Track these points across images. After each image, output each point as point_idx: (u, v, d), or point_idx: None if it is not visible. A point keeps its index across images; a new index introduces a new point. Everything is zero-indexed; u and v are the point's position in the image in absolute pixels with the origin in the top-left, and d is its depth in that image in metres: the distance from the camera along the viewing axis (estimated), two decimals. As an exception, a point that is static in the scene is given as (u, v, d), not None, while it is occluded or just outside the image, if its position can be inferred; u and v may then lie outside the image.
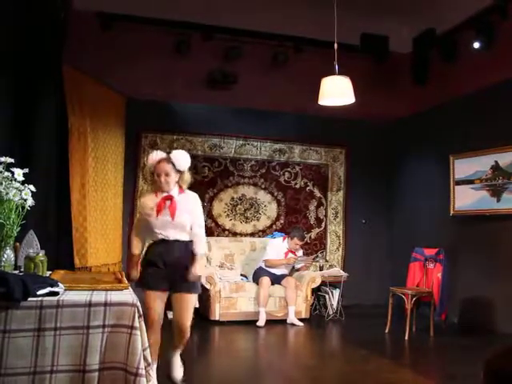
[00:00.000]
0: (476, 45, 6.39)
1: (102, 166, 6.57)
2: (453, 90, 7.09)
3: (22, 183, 3.05)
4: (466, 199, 6.90)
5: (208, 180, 7.95)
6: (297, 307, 6.90)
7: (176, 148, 7.79)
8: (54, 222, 5.58)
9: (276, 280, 6.97)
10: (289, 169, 8.37)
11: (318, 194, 8.47)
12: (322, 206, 8.49)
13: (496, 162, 6.45)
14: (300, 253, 7.30)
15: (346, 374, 4.72)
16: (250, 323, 6.61)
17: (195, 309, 6.86)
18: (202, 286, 6.60)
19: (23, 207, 3.03)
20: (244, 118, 8.01)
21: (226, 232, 8.02)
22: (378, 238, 8.58)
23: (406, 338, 6.04)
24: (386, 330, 6.36)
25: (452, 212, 7.12)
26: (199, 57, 7.12)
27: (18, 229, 3.06)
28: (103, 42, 6.71)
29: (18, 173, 3.03)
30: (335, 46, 4.97)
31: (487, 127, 6.66)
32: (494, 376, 1.14)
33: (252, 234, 8.13)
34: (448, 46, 6.91)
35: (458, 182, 7.03)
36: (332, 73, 4.94)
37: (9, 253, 3.02)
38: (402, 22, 7.22)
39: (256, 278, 6.98)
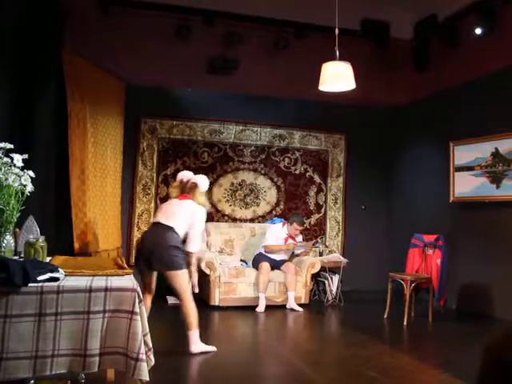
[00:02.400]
0: (478, 31, 6.36)
1: (101, 152, 6.56)
2: (454, 76, 7.06)
3: (22, 169, 3.05)
4: (465, 186, 6.90)
5: (208, 165, 7.95)
6: (296, 293, 6.93)
7: (176, 133, 7.79)
8: (53, 208, 5.59)
9: (276, 265, 6.99)
10: (289, 154, 8.36)
11: (317, 179, 8.47)
12: (322, 192, 8.49)
13: (496, 148, 6.44)
14: (299, 238, 7.32)
15: (345, 358, 4.75)
16: (249, 308, 6.64)
17: (195, 294, 6.91)
18: (201, 270, 6.64)
19: (23, 193, 3.04)
20: (244, 103, 7.98)
21: (226, 217, 8.03)
22: (378, 224, 8.59)
23: (405, 323, 6.07)
24: (385, 316, 6.40)
25: (452, 198, 7.13)
26: (200, 42, 7.08)
27: (18, 214, 3.07)
28: (103, 27, 6.66)
29: (18, 158, 3.03)
30: (336, 31, 4.93)
31: (488, 114, 6.65)
32: (494, 364, 1.14)
33: (252, 220, 8.14)
34: (449, 32, 6.87)
35: (458, 169, 7.02)
36: (333, 58, 4.91)
37: (9, 238, 3.03)
38: (403, 8, 7.19)
39: (256, 263, 7.00)
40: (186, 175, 5.04)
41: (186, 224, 4.70)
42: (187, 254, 4.69)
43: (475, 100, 6.88)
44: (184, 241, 4.73)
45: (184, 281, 4.55)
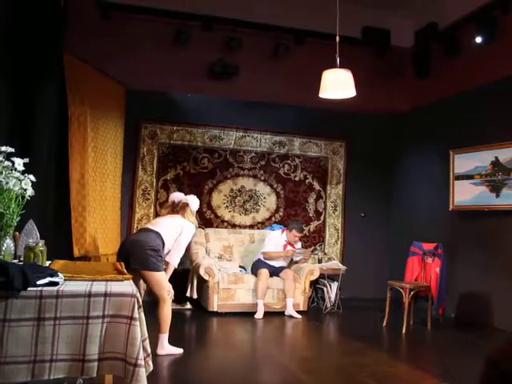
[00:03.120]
0: (478, 39, 6.39)
1: (101, 156, 6.56)
2: (454, 84, 7.08)
3: (22, 173, 3.05)
4: (465, 194, 6.91)
5: (207, 171, 7.95)
6: (295, 299, 6.92)
7: (176, 139, 7.80)
8: (53, 212, 5.58)
9: (274, 272, 6.98)
10: (288, 161, 8.36)
11: (317, 186, 8.47)
12: (321, 199, 8.49)
13: (496, 157, 6.45)
14: (298, 245, 7.31)
15: (343, 366, 4.74)
16: (248, 315, 6.63)
17: (193, 300, 6.93)
18: (200, 276, 6.64)
19: (23, 197, 3.03)
20: (244, 109, 7.99)
21: (225, 223, 8.02)
22: (377, 232, 8.59)
23: (404, 331, 6.06)
24: (384, 324, 6.39)
25: (451, 207, 7.12)
26: (199, 47, 7.11)
27: (18, 218, 3.06)
28: (103, 32, 6.69)
29: (19, 162, 3.02)
30: (337, 38, 4.95)
31: (488, 122, 6.65)
32: (495, 374, 1.14)
33: (251, 226, 8.13)
34: (450, 41, 6.91)
35: (458, 177, 7.03)
36: (333, 65, 4.92)
37: (8, 242, 3.02)
38: (403, 16, 7.22)
39: (254, 269, 6.99)
40: (177, 196, 5.28)
41: (174, 234, 4.88)
42: (165, 264, 4.83)
43: (475, 108, 6.89)
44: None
45: (160, 283, 4.61)
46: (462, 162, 6.96)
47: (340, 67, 4.90)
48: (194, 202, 5.17)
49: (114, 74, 6.79)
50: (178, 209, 5.11)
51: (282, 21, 7.16)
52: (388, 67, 7.80)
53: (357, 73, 5.08)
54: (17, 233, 3.24)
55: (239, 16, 7.00)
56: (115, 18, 6.70)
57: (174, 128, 7.84)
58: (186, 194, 5.42)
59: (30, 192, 3.03)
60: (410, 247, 6.89)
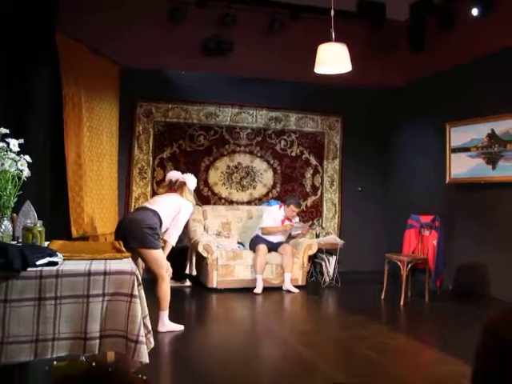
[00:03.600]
0: (474, 12, 6.33)
1: (97, 136, 6.54)
2: (449, 58, 7.04)
3: (18, 154, 3.04)
4: (461, 167, 6.91)
5: (204, 148, 7.93)
6: (293, 274, 6.96)
7: (171, 117, 7.77)
8: (50, 193, 5.58)
9: (273, 247, 7.02)
10: (285, 137, 8.34)
11: (313, 161, 8.47)
12: (318, 174, 8.50)
13: (492, 129, 6.44)
14: (296, 220, 7.34)
15: (342, 339, 4.79)
16: (247, 290, 6.68)
17: (193, 277, 6.97)
18: (199, 253, 6.68)
19: (19, 178, 3.03)
20: (240, 85, 7.94)
21: (223, 200, 8.04)
22: (374, 206, 8.61)
23: (402, 303, 6.12)
24: (382, 296, 6.44)
25: (448, 179, 7.14)
26: (194, 24, 7.05)
27: (15, 200, 3.06)
28: (96, 10, 6.62)
29: (14, 143, 3.02)
30: (332, 12, 4.90)
31: (484, 95, 6.63)
32: (492, 342, 1.16)
33: (248, 202, 8.15)
34: (445, 14, 6.84)
35: (454, 150, 7.03)
36: (328, 40, 4.88)
37: (6, 224, 3.03)
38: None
39: (253, 245, 7.02)
40: (174, 175, 5.29)
41: (171, 213, 4.89)
42: (163, 242, 4.87)
43: (471, 81, 6.86)
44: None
45: (158, 261, 4.63)
46: (458, 135, 6.96)
47: (335, 41, 4.86)
48: (191, 180, 5.18)
49: (107, 52, 6.73)
50: (176, 187, 5.12)
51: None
52: (383, 41, 7.74)
53: (352, 47, 5.04)
54: (14, 214, 3.24)
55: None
56: (107, -5, 6.62)
57: (170, 106, 7.80)
58: (182, 173, 5.42)
59: (26, 173, 3.03)
60: (407, 220, 6.92)
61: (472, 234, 6.83)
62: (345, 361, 4.17)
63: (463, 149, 6.88)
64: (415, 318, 5.86)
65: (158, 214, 4.76)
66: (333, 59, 4.91)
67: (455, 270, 7.00)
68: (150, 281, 4.79)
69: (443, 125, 7.16)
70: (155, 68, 7.48)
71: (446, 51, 7.06)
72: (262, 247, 6.84)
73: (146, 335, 2.61)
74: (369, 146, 8.56)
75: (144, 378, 2.63)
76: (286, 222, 7.16)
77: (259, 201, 8.18)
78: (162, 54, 7.15)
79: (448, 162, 7.11)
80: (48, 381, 2.88)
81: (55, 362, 2.77)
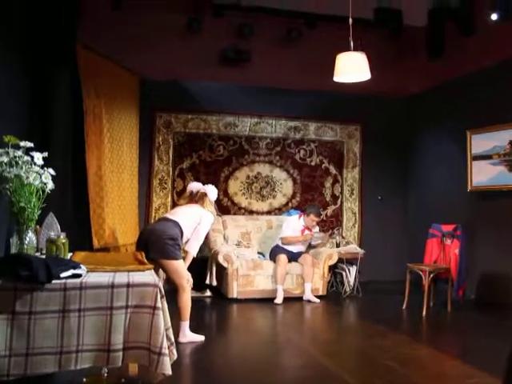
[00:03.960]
0: (493, 17, 6.28)
1: (117, 147, 6.60)
2: (469, 63, 6.99)
3: (42, 167, 3.08)
4: (483, 175, 6.84)
5: (223, 159, 7.96)
6: (314, 284, 6.94)
7: (191, 127, 7.81)
8: (71, 204, 5.64)
9: (293, 257, 7.00)
10: (304, 146, 8.34)
11: (333, 171, 8.45)
12: (338, 183, 8.47)
13: (514, 136, 6.37)
14: (316, 230, 7.32)
15: (364, 349, 4.75)
16: (267, 301, 6.66)
17: (213, 287, 6.97)
18: (219, 264, 6.69)
19: (43, 191, 3.07)
20: (258, 95, 7.97)
21: (242, 210, 8.04)
22: (395, 215, 8.55)
23: (424, 314, 6.06)
24: (404, 306, 6.38)
25: (469, 188, 7.06)
26: (211, 35, 7.10)
27: (39, 212, 3.10)
28: (115, 22, 6.71)
29: (38, 157, 3.06)
30: (350, 21, 4.90)
31: (505, 101, 6.57)
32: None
33: (268, 212, 8.14)
34: (464, 19, 6.80)
35: (476, 158, 6.96)
36: (346, 49, 4.88)
37: (31, 236, 3.06)
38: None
39: (273, 255, 7.01)
40: (195, 186, 5.30)
41: (192, 223, 4.91)
42: (184, 253, 4.88)
43: (492, 87, 6.80)
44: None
45: (179, 271, 4.64)
46: (480, 142, 6.89)
47: (354, 50, 4.86)
48: (212, 191, 5.19)
49: (127, 64, 6.81)
50: (197, 199, 5.13)
51: (294, 5, 7.09)
52: (401, 48, 7.72)
53: (370, 54, 5.04)
54: (38, 226, 3.28)
55: (249, 2, 6.94)
56: (127, 8, 6.69)
57: (189, 116, 7.84)
58: (202, 183, 5.44)
59: (50, 186, 3.07)
60: (428, 229, 6.86)
61: (494, 242, 6.74)
62: (367, 371, 4.13)
63: (485, 156, 6.81)
64: (437, 329, 5.79)
65: (179, 225, 4.78)
66: (352, 68, 4.91)
67: (478, 279, 6.91)
68: (171, 291, 4.81)
69: (464, 132, 7.10)
70: (174, 79, 7.54)
71: (466, 57, 7.01)
72: (283, 257, 6.83)
73: (168, 347, 2.62)
74: (388, 155, 8.52)
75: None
76: (306, 232, 7.14)
77: (279, 210, 8.18)
78: (181, 65, 7.21)
79: (469, 170, 7.04)
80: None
81: (84, 379, 2.80)
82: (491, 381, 3.68)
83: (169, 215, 5.02)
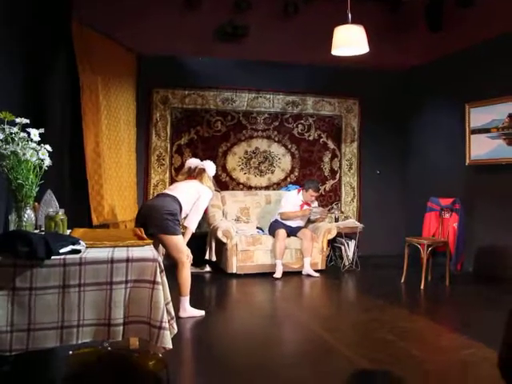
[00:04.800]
0: (493, -12, 6.21)
1: (114, 124, 6.57)
2: (468, 36, 6.92)
3: (38, 143, 3.06)
4: (481, 148, 6.83)
5: (221, 134, 7.93)
6: (313, 259, 6.97)
7: (188, 103, 7.77)
8: (69, 181, 5.64)
9: (292, 232, 7.03)
10: (302, 121, 8.31)
11: (331, 145, 8.43)
12: (336, 158, 8.46)
13: (513, 109, 6.35)
14: (315, 205, 7.33)
15: (363, 323, 4.80)
16: (266, 275, 6.70)
17: (212, 262, 7.01)
18: (218, 239, 6.71)
19: (41, 167, 3.05)
20: (256, 70, 7.91)
21: (241, 186, 8.04)
22: (393, 189, 8.56)
23: (422, 287, 6.10)
24: (402, 280, 6.43)
25: (468, 161, 7.06)
26: (209, 10, 6.99)
27: (37, 189, 3.09)
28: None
29: (34, 133, 3.03)
30: (348, -7, 4.84)
31: (504, 74, 6.52)
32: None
33: (267, 187, 8.15)
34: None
35: (474, 131, 6.94)
36: (344, 22, 4.83)
37: (29, 213, 3.05)
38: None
39: (272, 230, 7.04)
40: (193, 162, 5.30)
41: (191, 199, 4.92)
42: (183, 228, 4.89)
43: (491, 60, 6.75)
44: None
45: (178, 246, 4.66)
46: (478, 116, 6.87)
47: (352, 23, 4.81)
48: (210, 167, 5.19)
49: (123, 40, 6.74)
50: (195, 174, 5.13)
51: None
52: (400, 21, 7.61)
53: (369, 28, 4.98)
54: (36, 203, 3.27)
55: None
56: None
57: (186, 92, 7.80)
58: (200, 158, 5.44)
59: (47, 162, 3.05)
60: (427, 203, 6.87)
61: (493, 216, 6.76)
62: (366, 345, 4.17)
63: (483, 130, 6.79)
64: (436, 302, 5.84)
65: (178, 200, 4.78)
66: (350, 41, 4.87)
67: (476, 252, 6.96)
68: (171, 267, 4.83)
69: (463, 105, 7.07)
70: (171, 55, 7.48)
71: (465, 30, 6.94)
72: (281, 232, 6.85)
73: (169, 321, 2.64)
74: (387, 129, 8.49)
75: (160, 356, 2.67)
76: (305, 207, 7.15)
77: (277, 186, 8.18)
78: (178, 40, 7.13)
79: (468, 144, 7.04)
80: (66, 368, 2.94)
81: (70, 352, 2.82)
82: (488, 351, 3.72)
83: (168, 191, 5.02)
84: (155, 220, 4.59)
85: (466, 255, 6.77)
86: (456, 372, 3.60)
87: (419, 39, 7.72)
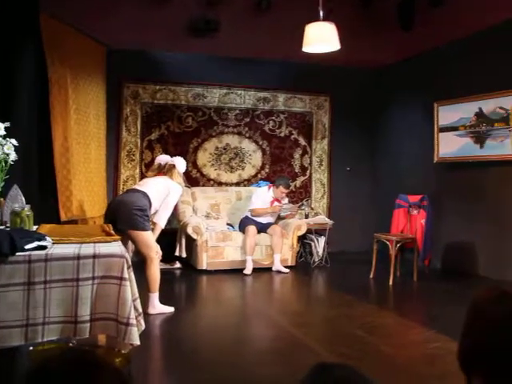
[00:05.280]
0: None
1: (84, 118, 6.48)
2: (439, 36, 7.00)
3: (4, 137, 3.01)
4: (449, 146, 6.93)
5: (192, 130, 7.89)
6: (283, 255, 6.99)
7: (159, 98, 7.71)
8: (37, 176, 5.54)
9: (262, 228, 7.03)
10: (273, 117, 8.32)
11: (302, 142, 8.46)
12: (307, 155, 8.49)
13: (480, 108, 6.45)
14: (285, 201, 7.35)
15: (332, 318, 4.83)
16: (237, 272, 6.70)
17: (182, 259, 6.97)
18: (188, 235, 6.68)
19: (6, 162, 3.00)
20: (227, 66, 7.89)
21: (211, 182, 8.02)
22: (363, 186, 8.63)
23: (391, 283, 6.17)
24: (371, 276, 6.49)
25: (436, 159, 7.16)
26: (180, 3, 6.93)
27: (2, 184, 3.03)
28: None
29: (0, 127, 2.98)
30: (319, -10, 4.86)
31: (472, 74, 6.63)
32: (477, 316, 1.17)
33: (237, 184, 8.14)
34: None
35: (442, 129, 7.04)
36: (316, 19, 4.84)
37: (-6, 208, 3.00)
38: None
39: (242, 226, 7.03)
40: (163, 159, 5.28)
41: (161, 195, 4.90)
42: (153, 224, 4.85)
43: (460, 60, 6.85)
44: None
45: (147, 242, 4.62)
46: (446, 114, 6.96)
47: (323, 20, 4.83)
48: (180, 163, 5.17)
49: (93, 33, 6.64)
50: (165, 171, 5.10)
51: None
52: (372, 19, 7.65)
53: (341, 25, 5.01)
54: (1, 199, 3.21)
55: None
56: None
57: (157, 87, 7.74)
58: (171, 154, 5.41)
59: (13, 157, 3.00)
60: (395, 200, 6.95)
61: (460, 212, 6.87)
62: (335, 340, 4.21)
63: (451, 128, 6.89)
64: (404, 297, 5.92)
65: (148, 196, 4.74)
66: (321, 38, 4.89)
67: (444, 248, 7.07)
68: (140, 263, 4.80)
69: (431, 104, 7.16)
70: (142, 49, 7.40)
71: (436, 29, 7.01)
72: (252, 228, 6.86)
73: (136, 318, 2.62)
74: (357, 126, 8.56)
75: (124, 352, 2.65)
76: (275, 203, 7.16)
77: (248, 182, 8.18)
78: (149, 34, 7.05)
79: (436, 142, 7.13)
80: (27, 364, 2.89)
81: (31, 348, 2.78)
82: (453, 345, 3.75)
83: (137, 186, 4.99)
84: (124, 215, 4.54)
85: (434, 251, 6.87)
86: (423, 366, 3.65)
87: (391, 37, 7.77)
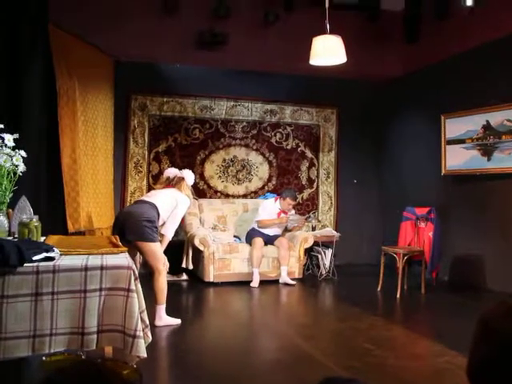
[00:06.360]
0: (469, 1, 6.31)
1: (92, 130, 6.51)
2: (445, 48, 7.03)
3: (13, 149, 3.03)
4: (457, 159, 6.92)
5: (199, 142, 7.91)
6: (290, 267, 6.97)
7: (166, 110, 7.74)
8: (45, 188, 5.56)
9: (269, 240, 7.02)
10: (280, 129, 8.33)
11: (309, 154, 8.46)
12: (314, 167, 8.49)
13: (487, 121, 6.44)
14: (292, 213, 7.34)
15: (340, 331, 4.81)
16: (243, 284, 6.68)
17: (189, 270, 6.97)
18: (195, 247, 6.67)
19: (15, 173, 3.02)
20: (235, 78, 7.92)
21: (218, 194, 8.03)
22: (370, 198, 8.62)
23: (398, 295, 6.14)
24: (378, 289, 6.46)
25: (443, 171, 7.14)
26: (188, 16, 7.00)
27: (10, 195, 3.05)
28: (90, 2, 6.56)
29: (9, 138, 3.00)
30: (326, 4, 4.89)
31: (479, 86, 6.63)
32: (484, 333, 1.16)
33: (244, 196, 8.14)
34: (440, 3, 6.82)
35: (450, 142, 7.03)
36: (323, 32, 4.87)
37: (2, 219, 3.02)
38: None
39: (249, 238, 7.02)
40: (172, 172, 5.28)
41: (169, 206, 4.88)
42: (160, 236, 4.84)
43: (467, 72, 6.85)
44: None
45: (155, 254, 4.61)
46: (454, 127, 6.95)
47: (330, 33, 4.86)
48: (189, 176, 5.18)
49: (101, 46, 6.69)
50: (174, 183, 5.10)
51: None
52: (378, 32, 7.71)
53: (347, 38, 5.04)
54: (10, 210, 3.23)
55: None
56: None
57: (165, 99, 7.77)
58: (178, 166, 5.43)
59: (21, 168, 3.02)
60: (403, 212, 6.93)
61: (468, 225, 6.84)
62: (342, 353, 4.18)
63: (458, 140, 6.88)
64: (411, 310, 5.88)
65: (156, 207, 4.74)
66: (328, 51, 4.91)
67: (451, 261, 7.02)
68: (147, 275, 4.80)
69: (438, 116, 7.16)
70: (149, 61, 7.44)
71: (441, 42, 7.05)
72: (258, 240, 6.85)
73: (143, 330, 2.61)
74: (364, 138, 8.56)
75: (134, 366, 2.64)
76: (282, 215, 7.16)
77: (255, 194, 8.18)
78: (156, 47, 7.10)
79: (443, 154, 7.12)
80: (39, 374, 2.89)
81: (44, 358, 2.78)
82: (461, 359, 3.75)
83: (146, 197, 4.99)
84: (133, 226, 4.55)
85: (442, 264, 6.84)
86: (431, 380, 3.62)
87: (397, 50, 7.82)
